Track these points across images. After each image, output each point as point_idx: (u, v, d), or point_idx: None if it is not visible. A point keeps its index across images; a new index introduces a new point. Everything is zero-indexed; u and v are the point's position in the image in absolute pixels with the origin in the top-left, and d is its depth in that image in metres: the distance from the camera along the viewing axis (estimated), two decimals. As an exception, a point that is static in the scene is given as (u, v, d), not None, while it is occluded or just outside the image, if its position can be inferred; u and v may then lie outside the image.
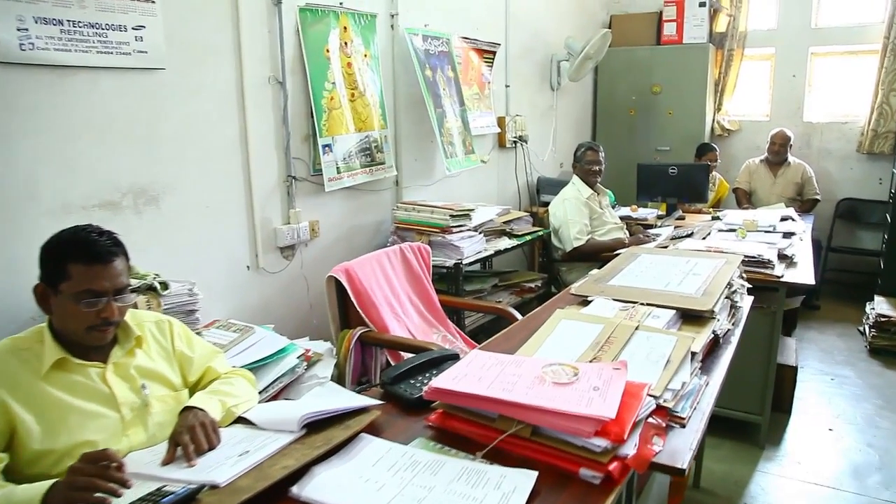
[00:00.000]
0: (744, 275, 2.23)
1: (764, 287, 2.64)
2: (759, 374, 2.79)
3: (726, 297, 1.95)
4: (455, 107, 3.54)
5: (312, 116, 2.73)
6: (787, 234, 3.13)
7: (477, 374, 1.36)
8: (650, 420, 1.29)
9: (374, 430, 1.36)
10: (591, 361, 1.47)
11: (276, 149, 2.64)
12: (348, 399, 1.47)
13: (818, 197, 4.85)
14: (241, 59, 2.44)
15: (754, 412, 2.83)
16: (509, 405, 1.23)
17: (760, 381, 2.79)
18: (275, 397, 2.18)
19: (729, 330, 1.84)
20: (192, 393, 1.58)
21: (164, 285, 2.04)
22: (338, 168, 2.85)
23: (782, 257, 2.83)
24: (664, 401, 1.35)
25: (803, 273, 2.71)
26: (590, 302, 1.89)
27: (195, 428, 1.33)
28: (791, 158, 4.92)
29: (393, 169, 3.19)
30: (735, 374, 2.83)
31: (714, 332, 1.73)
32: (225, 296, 2.50)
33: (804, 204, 4.83)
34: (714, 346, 1.75)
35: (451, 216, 2.95)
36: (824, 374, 3.63)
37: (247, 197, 2.54)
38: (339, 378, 2.39)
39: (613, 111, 5.55)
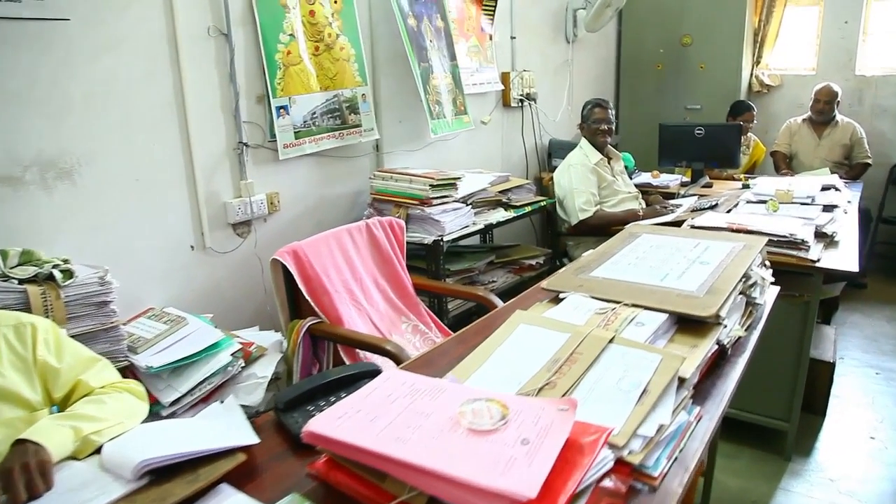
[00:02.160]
0: (767, 262, 1.81)
1: (796, 272, 2.22)
2: (788, 373, 2.38)
3: (741, 293, 1.55)
4: (444, 61, 3.12)
5: (265, 74, 2.37)
6: (828, 208, 2.67)
7: (375, 409, 1.01)
8: (605, 484, 0.94)
9: (244, 475, 1.05)
10: (540, 390, 1.11)
11: (223, 112, 2.29)
12: (221, 433, 1.15)
13: (869, 161, 4.29)
14: (173, 7, 2.09)
15: (780, 417, 2.42)
16: (398, 464, 0.89)
17: (788, 383, 2.38)
18: (205, 400, 1.90)
19: (741, 338, 1.45)
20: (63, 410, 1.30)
21: (68, 274, 1.74)
22: (296, 133, 2.49)
23: (820, 236, 2.39)
24: (629, 452, 0.98)
25: (845, 256, 2.26)
26: (563, 299, 1.51)
27: (13, 473, 1.04)
28: (839, 117, 4.36)
29: (374, 132, 2.82)
30: (758, 371, 2.41)
31: (719, 342, 1.34)
32: (165, 280, 2.20)
33: (853, 169, 4.29)
34: (719, 359, 1.37)
35: (432, 186, 2.57)
36: (868, 366, 3.18)
37: (187, 167, 2.21)
38: (288, 374, 2.09)
39: (639, 66, 5.02)
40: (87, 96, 1.91)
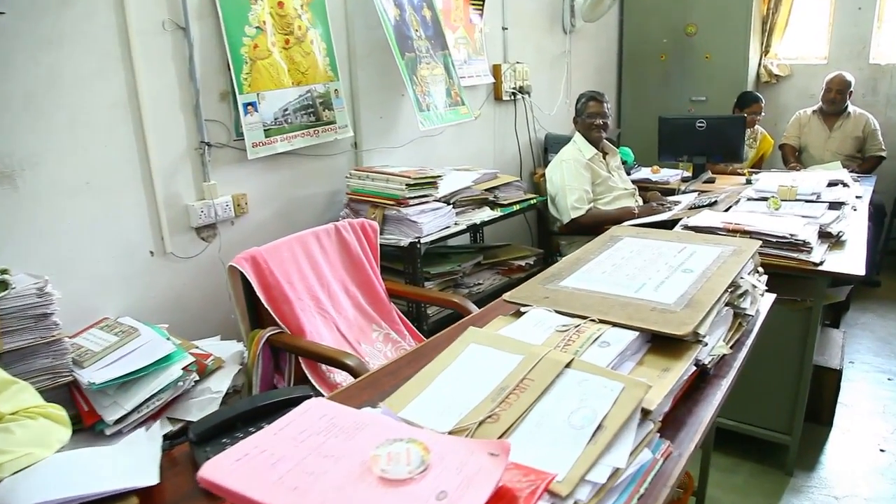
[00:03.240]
0: (760, 268, 1.65)
1: (798, 276, 2.05)
2: (789, 383, 2.21)
3: (727, 304, 1.40)
4: (434, 51, 2.97)
5: (230, 70, 2.24)
6: (835, 205, 2.49)
7: (281, 450, 0.87)
8: (540, 544, 0.79)
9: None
10: (480, 424, 0.97)
11: (182, 110, 2.17)
12: (122, 471, 1.02)
13: (883, 153, 4.08)
14: (123, 0, 1.96)
15: (781, 430, 2.26)
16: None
17: (790, 393, 2.22)
18: (155, 417, 1.78)
19: (726, 356, 1.30)
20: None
21: (3, 285, 1.62)
22: (267, 130, 2.36)
23: (825, 236, 2.22)
24: (575, 503, 0.84)
25: (852, 258, 2.09)
26: (524, 313, 1.36)
27: None
28: (852, 108, 4.15)
29: (348, 129, 2.68)
30: (758, 381, 2.25)
31: (698, 362, 1.20)
32: (123, 288, 2.08)
33: (866, 162, 4.08)
34: (698, 380, 1.22)
35: (408, 185, 2.43)
36: (879, 371, 3.00)
37: (143, 169, 2.09)
38: (248, 388, 1.97)
39: (641, 56, 4.84)
40: (28, 96, 1.79)
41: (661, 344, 1.20)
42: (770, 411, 2.27)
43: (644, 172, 3.74)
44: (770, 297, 1.67)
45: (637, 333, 1.19)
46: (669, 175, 3.65)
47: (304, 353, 1.88)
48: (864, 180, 3.27)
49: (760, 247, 2.12)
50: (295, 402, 1.16)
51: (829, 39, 4.68)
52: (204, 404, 1.82)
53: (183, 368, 1.80)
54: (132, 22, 1.98)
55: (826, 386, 2.48)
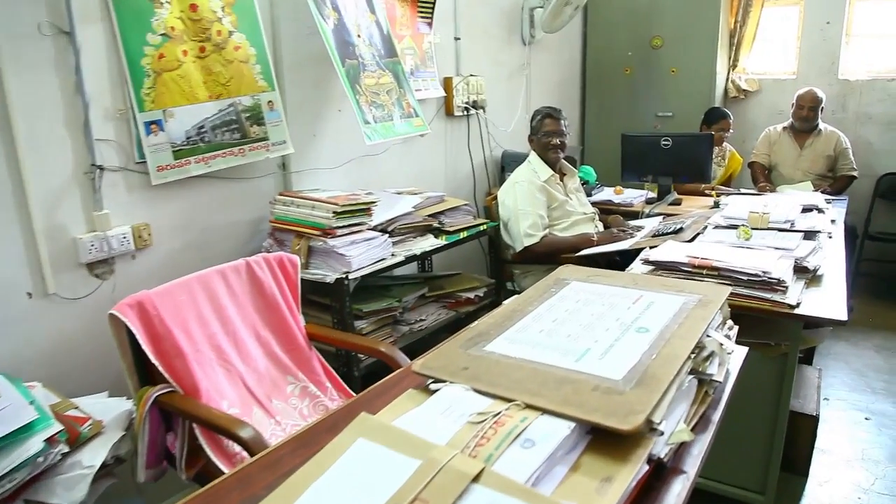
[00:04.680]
0: (729, 322, 1.41)
1: (771, 318, 1.82)
2: (762, 436, 1.98)
3: (690, 373, 1.15)
4: (380, 59, 2.70)
5: (128, 83, 1.95)
6: (810, 234, 2.27)
7: None
8: None
9: None
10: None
11: (68, 128, 1.86)
12: None
13: (854, 173, 3.92)
14: (-12, -3, 1.66)
15: (754, 489, 2.02)
16: None
17: (763, 447, 1.98)
18: (10, 499, 1.47)
19: (686, 444, 1.05)
20: None
21: None
22: (176, 151, 2.07)
23: (801, 271, 1.99)
24: None
25: (832, 299, 1.86)
26: (436, 390, 1.10)
27: None
28: (822, 125, 3.99)
29: (286, 145, 2.40)
30: (727, 434, 1.99)
31: (651, 458, 0.94)
32: (-6, 336, 1.77)
33: (837, 182, 3.92)
34: (653, 477, 0.97)
35: (336, 213, 2.15)
36: (856, 409, 2.79)
37: (17, 197, 1.78)
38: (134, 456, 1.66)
39: (606, 70, 4.64)
40: None
41: (605, 437, 0.94)
42: (742, 467, 2.03)
43: (606, 193, 3.51)
44: (742, 351, 1.43)
45: (573, 425, 0.93)
46: (633, 196, 3.43)
47: (193, 418, 1.59)
48: (836, 202, 3.08)
49: (730, 284, 1.91)
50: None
51: (797, 54, 4.54)
52: (71, 483, 1.52)
53: (46, 440, 1.50)
54: (-1, 25, 1.68)
55: (802, 434, 2.26)
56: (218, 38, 2.16)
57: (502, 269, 2.96)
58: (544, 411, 0.97)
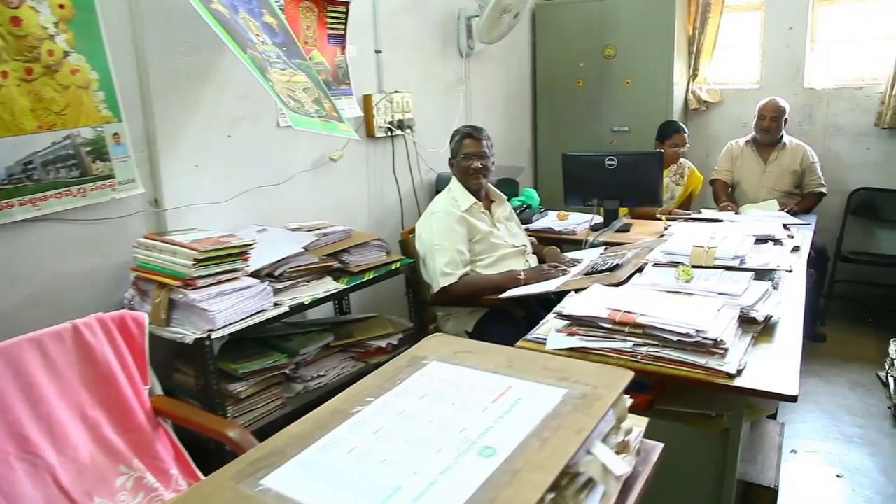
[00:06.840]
0: (630, 423, 1.06)
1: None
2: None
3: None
4: (291, 59, 2.34)
5: (-76, 108, 1.60)
6: (762, 274, 1.94)
7: None
8: None
9: None
10: None
11: None
12: None
13: (823, 189, 3.62)
14: None
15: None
16: None
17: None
18: None
19: None
20: None
21: None
22: (-7, 192, 1.72)
23: (748, 322, 1.66)
24: None
25: (782, 363, 1.52)
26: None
27: None
28: (787, 138, 3.70)
29: (135, 184, 2.05)
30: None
31: None
32: None
33: (805, 199, 3.61)
34: None
35: (197, 261, 1.80)
36: (828, 463, 2.45)
37: None
38: None
39: (557, 82, 4.33)
40: None
41: None
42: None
43: (548, 220, 3.18)
44: (657, 448, 1.09)
45: None
46: (577, 223, 3.09)
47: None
48: (803, 227, 2.76)
49: (657, 346, 1.57)
50: None
51: (760, 62, 4.26)
52: None
53: None
54: None
55: (757, 508, 1.91)
56: (49, 58, 1.82)
57: (424, 311, 2.61)
58: None
